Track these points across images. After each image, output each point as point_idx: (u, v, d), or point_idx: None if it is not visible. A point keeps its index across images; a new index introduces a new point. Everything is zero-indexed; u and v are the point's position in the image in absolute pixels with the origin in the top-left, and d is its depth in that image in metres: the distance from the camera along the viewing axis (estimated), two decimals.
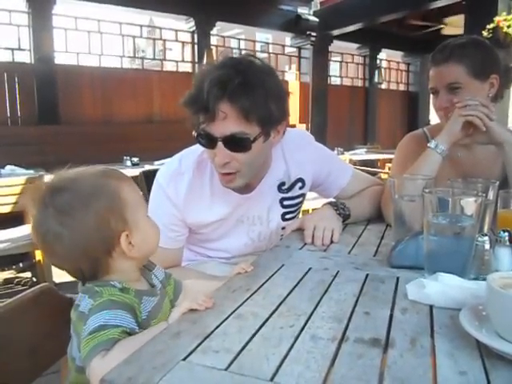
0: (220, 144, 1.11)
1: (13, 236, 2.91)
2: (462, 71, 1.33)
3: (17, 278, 3.35)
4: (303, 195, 1.40)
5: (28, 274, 3.39)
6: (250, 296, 0.82)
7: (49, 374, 1.07)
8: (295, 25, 6.84)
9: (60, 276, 3.23)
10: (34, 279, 3.25)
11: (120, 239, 0.80)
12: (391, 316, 0.73)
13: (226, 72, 1.07)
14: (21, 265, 3.52)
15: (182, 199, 1.22)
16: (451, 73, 1.34)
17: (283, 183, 1.33)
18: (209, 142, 1.13)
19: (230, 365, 0.58)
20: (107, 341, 0.71)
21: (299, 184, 1.35)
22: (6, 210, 2.72)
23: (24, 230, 3.01)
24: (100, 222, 0.79)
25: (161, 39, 6.17)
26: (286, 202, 1.36)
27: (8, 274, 3.44)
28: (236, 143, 1.12)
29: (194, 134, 1.14)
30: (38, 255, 2.96)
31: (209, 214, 1.27)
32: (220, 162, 1.13)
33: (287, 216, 1.38)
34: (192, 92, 1.11)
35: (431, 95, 1.45)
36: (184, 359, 0.59)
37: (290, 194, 1.35)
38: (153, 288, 0.89)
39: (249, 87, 1.06)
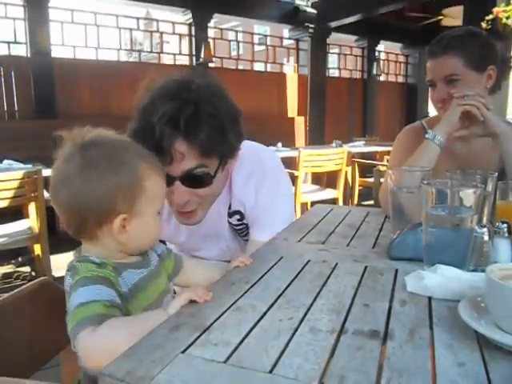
0: (178, 183, 1.04)
1: (11, 230, 2.91)
2: (459, 63, 1.33)
3: (16, 272, 3.35)
4: (244, 224, 1.30)
5: (27, 269, 3.40)
6: (249, 289, 0.82)
7: (48, 367, 1.07)
8: (293, 17, 6.80)
9: (59, 270, 3.24)
10: (33, 273, 3.26)
11: (115, 218, 0.80)
12: (390, 308, 0.73)
13: (176, 105, 0.98)
14: (20, 259, 3.52)
15: None
16: (448, 65, 1.34)
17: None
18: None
19: (229, 357, 0.58)
20: (92, 316, 0.70)
21: (237, 216, 1.28)
22: (4, 204, 2.71)
23: (23, 225, 3.01)
24: (109, 194, 0.78)
25: (158, 32, 6.13)
26: (232, 226, 1.32)
27: (7, 268, 3.45)
28: (196, 180, 1.05)
29: None
30: (37, 249, 2.96)
31: (176, 235, 1.28)
32: (180, 201, 1.07)
33: (241, 235, 1.35)
34: (137, 127, 1.02)
35: (429, 88, 1.44)
36: (183, 352, 0.59)
37: (230, 220, 1.30)
38: (143, 260, 0.88)
39: (203, 119, 0.98)
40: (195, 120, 0.98)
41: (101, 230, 0.81)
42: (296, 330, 0.65)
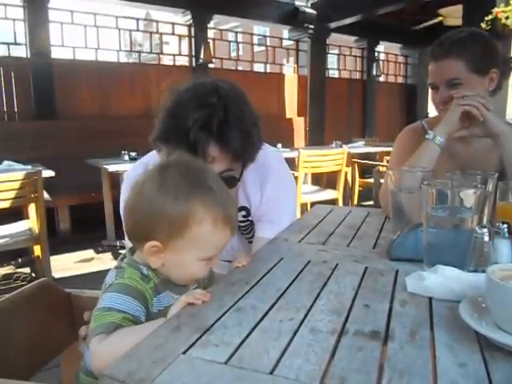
0: None
1: (11, 231, 2.91)
2: (461, 67, 1.32)
3: (16, 273, 3.35)
4: (249, 221, 1.31)
5: (27, 270, 3.40)
6: (250, 289, 0.82)
7: (50, 368, 1.07)
8: (293, 17, 6.80)
9: (59, 271, 3.24)
10: (33, 274, 3.26)
11: (148, 241, 0.80)
12: (391, 308, 0.73)
13: (208, 111, 1.02)
14: (20, 260, 3.52)
15: None
16: (451, 69, 1.33)
17: None
18: None
19: (229, 358, 0.58)
20: (108, 324, 0.74)
21: (243, 212, 1.29)
22: (4, 205, 2.71)
23: (22, 226, 3.01)
24: (152, 216, 0.79)
25: (157, 33, 6.13)
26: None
27: (7, 269, 3.45)
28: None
29: None
30: (37, 250, 2.96)
31: None
32: None
33: (244, 233, 1.35)
34: (169, 129, 1.05)
35: (430, 90, 1.44)
36: (184, 353, 0.59)
37: None
38: (185, 288, 0.87)
39: (233, 124, 1.03)
40: (226, 125, 1.03)
41: (140, 244, 0.83)
42: (297, 330, 0.65)
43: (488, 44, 1.37)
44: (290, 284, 0.84)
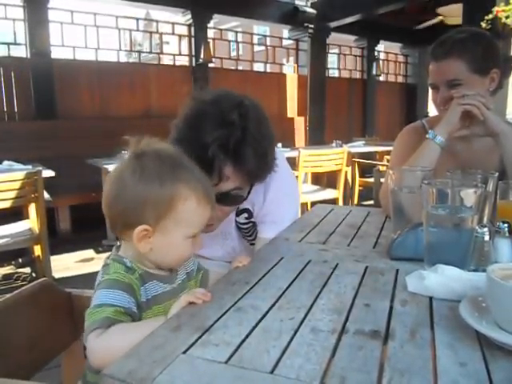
0: None
1: (12, 231, 2.91)
2: (462, 67, 1.32)
3: (16, 273, 3.35)
4: (251, 222, 1.32)
5: (27, 270, 3.40)
6: (250, 289, 0.82)
7: (51, 368, 1.07)
8: (292, 17, 6.79)
9: (59, 271, 3.24)
10: (34, 274, 3.26)
11: (138, 226, 0.82)
12: (391, 308, 0.73)
13: (228, 130, 1.02)
14: (20, 260, 3.52)
15: None
16: (451, 69, 1.33)
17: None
18: None
19: (230, 358, 0.58)
20: (102, 319, 0.75)
21: (245, 214, 1.30)
22: (5, 205, 2.71)
23: (23, 226, 3.01)
24: (138, 201, 0.81)
25: (157, 32, 6.12)
26: (238, 225, 1.33)
27: (7, 269, 3.45)
28: (230, 200, 1.12)
29: None
30: (37, 250, 2.96)
31: None
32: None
33: (246, 235, 1.35)
34: (185, 139, 1.04)
35: (430, 90, 1.43)
36: (184, 352, 0.59)
37: (237, 219, 1.31)
38: (171, 275, 0.90)
39: (250, 145, 1.03)
40: (243, 146, 1.03)
41: (126, 233, 0.84)
42: (297, 330, 0.65)
43: (489, 44, 1.37)
44: (291, 283, 0.84)
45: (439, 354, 0.59)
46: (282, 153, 1.40)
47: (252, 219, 1.30)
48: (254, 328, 0.66)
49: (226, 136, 1.02)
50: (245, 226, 1.32)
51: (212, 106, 1.07)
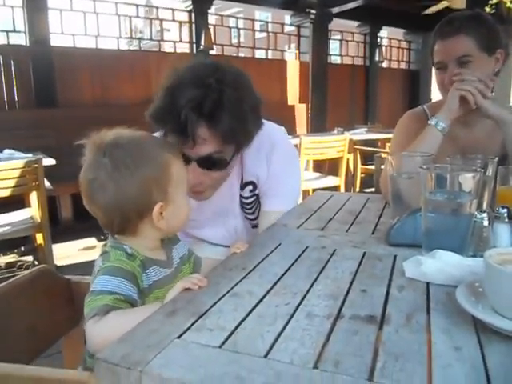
0: (194, 164, 1.09)
1: (13, 220, 2.92)
2: (472, 44, 1.30)
3: (18, 261, 3.37)
4: (255, 195, 1.32)
5: (30, 258, 3.41)
6: (247, 275, 0.81)
7: (52, 354, 1.08)
8: (294, 2, 6.71)
9: (61, 259, 3.25)
10: (36, 262, 3.28)
11: (154, 208, 0.84)
12: (387, 293, 0.73)
13: (202, 92, 1.01)
14: (22, 248, 3.54)
15: None
16: (462, 45, 1.31)
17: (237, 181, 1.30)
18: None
19: (224, 342, 0.58)
20: (101, 306, 0.75)
21: (249, 187, 1.30)
22: (6, 193, 2.71)
23: (24, 214, 3.02)
24: (144, 188, 0.83)
25: (158, 19, 6.06)
26: (242, 199, 1.33)
27: (10, 257, 3.46)
28: (212, 164, 1.11)
29: None
30: (39, 239, 2.97)
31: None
32: (194, 181, 1.10)
33: (248, 212, 1.35)
34: (162, 107, 1.05)
35: (435, 71, 1.40)
36: (178, 337, 0.59)
37: (241, 193, 1.31)
38: (168, 260, 0.92)
39: (227, 108, 1.01)
40: (219, 108, 1.01)
41: (142, 222, 0.86)
42: (292, 315, 0.65)
43: (493, 25, 1.37)
44: (288, 269, 0.84)
45: (434, 338, 0.58)
46: (283, 129, 1.40)
47: (256, 191, 1.31)
48: (249, 313, 0.66)
49: (201, 98, 1.00)
50: (248, 201, 1.32)
51: (189, 73, 1.07)
